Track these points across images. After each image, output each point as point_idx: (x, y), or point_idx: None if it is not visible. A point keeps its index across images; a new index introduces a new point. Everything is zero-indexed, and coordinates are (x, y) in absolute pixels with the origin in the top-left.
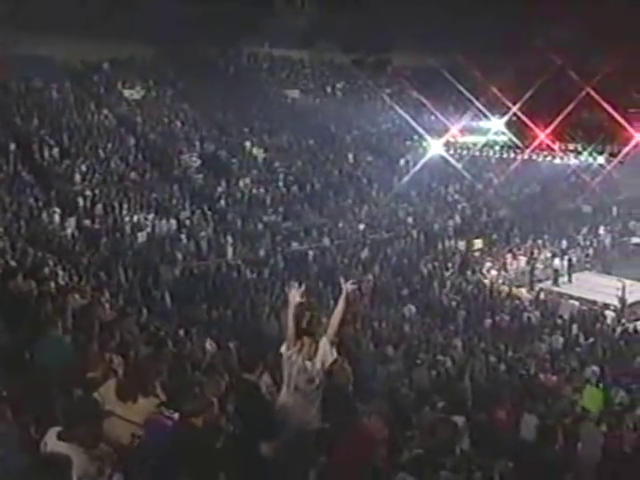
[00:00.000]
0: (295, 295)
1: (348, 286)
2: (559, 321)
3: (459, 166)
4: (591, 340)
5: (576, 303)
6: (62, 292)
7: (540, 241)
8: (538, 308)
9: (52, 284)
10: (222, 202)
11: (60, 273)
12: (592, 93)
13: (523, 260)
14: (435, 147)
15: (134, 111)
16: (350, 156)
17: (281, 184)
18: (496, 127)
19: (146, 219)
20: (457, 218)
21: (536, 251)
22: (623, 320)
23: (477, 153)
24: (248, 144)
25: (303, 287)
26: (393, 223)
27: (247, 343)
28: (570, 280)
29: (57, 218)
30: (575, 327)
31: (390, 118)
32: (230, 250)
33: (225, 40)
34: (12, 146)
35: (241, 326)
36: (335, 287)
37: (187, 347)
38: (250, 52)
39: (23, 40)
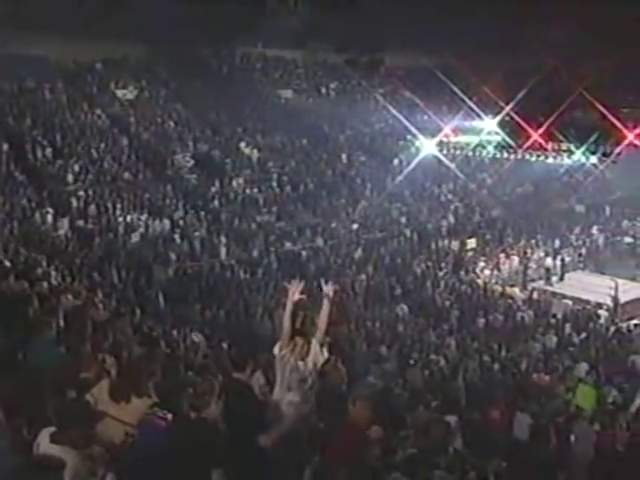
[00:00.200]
0: (295, 291)
1: (328, 288)
2: (552, 320)
3: (452, 166)
4: (583, 335)
5: (569, 302)
6: (55, 293)
7: (533, 241)
8: (531, 307)
9: (45, 284)
10: (215, 202)
11: (53, 273)
12: (585, 93)
13: (516, 260)
14: (428, 147)
15: (127, 111)
16: (343, 156)
17: (274, 184)
18: (489, 127)
19: (139, 219)
20: (450, 218)
21: (529, 251)
22: (616, 319)
23: (470, 153)
24: (243, 144)
25: (302, 284)
26: (386, 223)
27: (240, 343)
28: (563, 279)
29: (50, 218)
30: (568, 326)
31: (383, 118)
32: (223, 250)
33: (218, 40)
34: (5, 146)
35: (234, 326)
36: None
37: (180, 347)
38: (243, 52)
39: (15, 40)
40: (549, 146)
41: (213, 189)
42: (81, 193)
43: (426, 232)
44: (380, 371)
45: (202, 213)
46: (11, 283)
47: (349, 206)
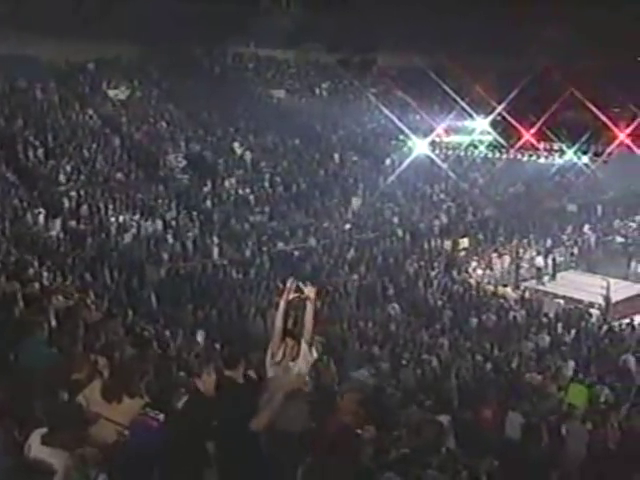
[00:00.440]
0: (290, 290)
1: (309, 290)
2: (544, 320)
3: (444, 166)
4: (574, 332)
5: (561, 302)
6: (46, 293)
7: (525, 240)
8: (524, 307)
9: (36, 285)
10: (208, 202)
11: (45, 274)
12: (576, 93)
13: (508, 259)
14: (420, 147)
15: (119, 111)
16: (336, 156)
17: (267, 184)
18: (481, 127)
19: (132, 220)
20: (443, 218)
21: (521, 250)
22: (608, 319)
23: (462, 153)
24: (236, 145)
25: (296, 283)
26: (379, 223)
27: (232, 342)
28: (555, 279)
29: (42, 219)
30: (560, 326)
31: (376, 118)
32: (216, 250)
33: (210, 40)
34: None
35: (227, 326)
36: (321, 287)
37: (172, 348)
38: (235, 52)
39: (7, 40)
40: (541, 146)
41: (205, 189)
42: (73, 193)
43: (418, 232)
44: (373, 370)
45: (194, 213)
46: (2, 284)
47: (341, 206)
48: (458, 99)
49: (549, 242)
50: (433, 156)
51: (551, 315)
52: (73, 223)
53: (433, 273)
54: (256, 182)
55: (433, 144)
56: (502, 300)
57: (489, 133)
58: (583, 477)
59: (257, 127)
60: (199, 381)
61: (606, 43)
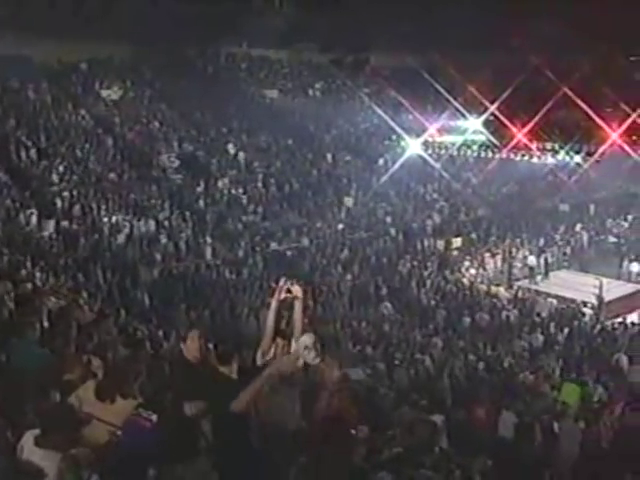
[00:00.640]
0: (282, 289)
1: (296, 289)
2: (537, 319)
3: (437, 165)
4: (567, 331)
5: (554, 301)
6: (39, 294)
7: (518, 240)
8: (517, 306)
9: (29, 286)
10: (201, 202)
11: (37, 274)
12: (569, 92)
13: (501, 259)
14: (413, 147)
15: (112, 111)
16: (329, 156)
17: (260, 184)
18: (474, 126)
19: (124, 220)
20: (436, 217)
21: (514, 250)
22: (601, 318)
23: (455, 152)
24: (230, 146)
25: (289, 282)
26: (372, 223)
27: (225, 341)
28: (547, 278)
29: (34, 219)
30: (553, 325)
31: (368, 118)
32: (209, 250)
33: (203, 40)
34: None
35: (220, 326)
36: (315, 287)
37: (165, 348)
38: (228, 52)
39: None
40: (533, 145)
41: (198, 189)
42: (66, 194)
43: (411, 232)
44: (369, 370)
45: (187, 213)
46: None
47: (334, 206)
48: (451, 99)
49: (542, 241)
50: (426, 156)
51: (544, 314)
52: (66, 223)
53: (426, 273)
54: (249, 182)
55: (426, 144)
56: (495, 300)
57: (482, 133)
58: (576, 476)
59: (250, 127)
60: (184, 346)
61: (599, 42)
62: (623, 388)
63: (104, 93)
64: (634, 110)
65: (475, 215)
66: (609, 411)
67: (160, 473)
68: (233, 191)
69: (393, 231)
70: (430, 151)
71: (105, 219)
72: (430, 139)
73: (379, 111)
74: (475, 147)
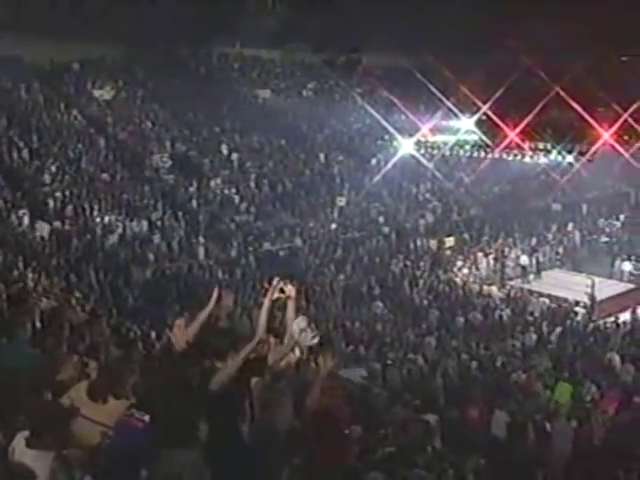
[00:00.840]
0: (275, 289)
1: (289, 289)
2: (530, 318)
3: (430, 165)
4: (560, 330)
5: (547, 300)
6: (31, 294)
7: (511, 239)
8: (509, 306)
9: (21, 286)
10: (193, 203)
11: (30, 275)
12: (561, 92)
13: (494, 258)
14: (406, 146)
15: (104, 111)
16: (321, 156)
17: (253, 184)
18: (466, 126)
19: (117, 220)
20: (428, 217)
21: (507, 249)
22: (593, 317)
23: (448, 152)
24: (224, 147)
25: (282, 282)
26: (365, 222)
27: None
28: (540, 277)
29: (26, 220)
30: (546, 324)
31: (361, 118)
32: (202, 250)
33: (196, 40)
34: None
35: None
36: (308, 287)
37: (157, 348)
38: (221, 52)
39: None
40: (526, 145)
41: (191, 189)
42: (58, 194)
43: (404, 231)
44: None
45: (180, 213)
46: None
47: (327, 206)
48: (443, 99)
49: (534, 241)
50: (418, 156)
51: (536, 314)
52: (58, 224)
53: (419, 272)
54: (242, 182)
55: (418, 144)
56: (488, 299)
57: (474, 133)
58: (569, 474)
59: (243, 127)
60: (172, 335)
61: (591, 42)
62: (615, 387)
63: (96, 93)
64: (626, 110)
65: (468, 215)
66: (602, 410)
67: (153, 471)
68: (226, 191)
69: (386, 230)
70: (423, 151)
71: (97, 219)
72: (423, 139)
73: (372, 111)
74: (468, 147)
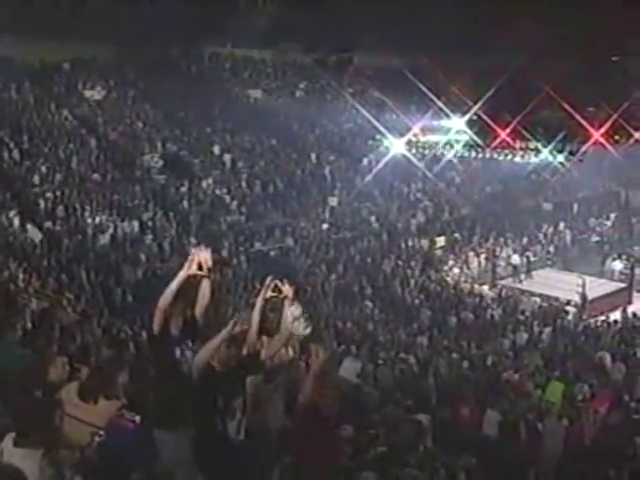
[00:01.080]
0: (268, 288)
1: (286, 288)
2: (521, 317)
3: (421, 165)
4: (551, 329)
5: (538, 299)
6: (21, 295)
7: (502, 239)
8: (501, 305)
9: (11, 287)
10: (185, 203)
11: (20, 275)
12: (551, 92)
13: (485, 258)
14: (397, 146)
15: (95, 112)
16: (313, 156)
17: (244, 184)
18: (457, 126)
19: (108, 220)
20: (420, 216)
21: (498, 249)
22: (584, 316)
23: (439, 152)
24: (216, 148)
25: (275, 282)
26: (356, 222)
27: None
28: (531, 276)
29: (17, 221)
30: (537, 323)
31: (352, 118)
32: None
33: (187, 40)
34: None
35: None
36: (299, 287)
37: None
38: (212, 52)
39: None
40: (517, 145)
41: (182, 189)
42: (49, 194)
43: (396, 231)
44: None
45: (171, 214)
46: None
47: (319, 206)
48: (434, 98)
49: (525, 240)
50: (410, 155)
51: (528, 313)
52: (49, 224)
53: (410, 272)
54: (233, 182)
55: (410, 143)
56: (479, 298)
57: (465, 132)
58: (560, 473)
59: (234, 127)
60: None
61: (582, 42)
62: (606, 386)
63: (87, 93)
64: (616, 109)
65: (459, 214)
66: (593, 409)
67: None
68: (217, 191)
69: (377, 230)
70: (414, 151)
71: (89, 220)
72: (414, 139)
73: (363, 111)
74: (459, 146)
